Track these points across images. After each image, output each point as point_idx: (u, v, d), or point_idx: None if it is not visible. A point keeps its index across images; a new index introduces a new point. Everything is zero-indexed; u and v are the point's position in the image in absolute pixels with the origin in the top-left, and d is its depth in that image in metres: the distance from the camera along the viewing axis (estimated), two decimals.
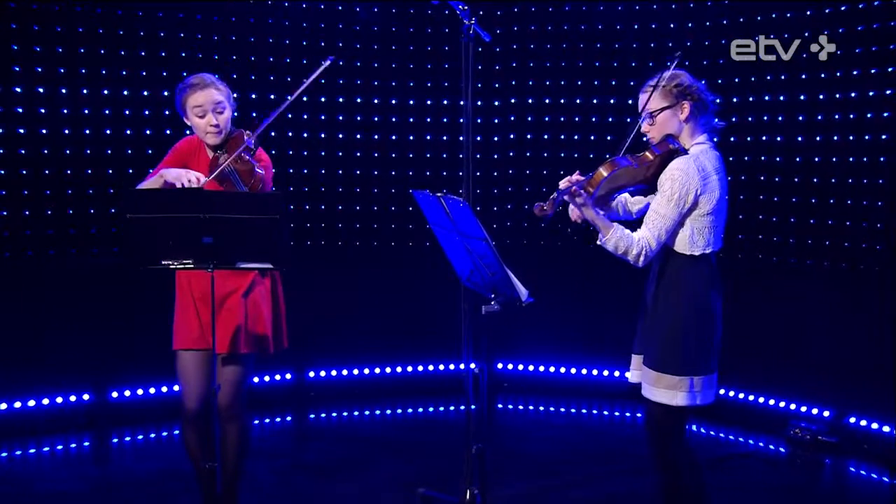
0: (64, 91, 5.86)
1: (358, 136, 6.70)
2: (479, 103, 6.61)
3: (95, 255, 5.95)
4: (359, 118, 6.70)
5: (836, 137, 5.66)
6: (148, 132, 6.09)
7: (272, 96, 6.32)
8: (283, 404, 6.45)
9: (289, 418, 6.36)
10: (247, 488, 4.16)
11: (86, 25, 5.88)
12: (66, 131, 5.89)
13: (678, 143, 3.45)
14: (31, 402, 5.84)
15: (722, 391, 5.96)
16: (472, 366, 4.07)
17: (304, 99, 5.95)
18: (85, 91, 5.91)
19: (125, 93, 6.01)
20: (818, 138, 5.74)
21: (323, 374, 6.73)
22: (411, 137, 6.77)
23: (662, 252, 3.43)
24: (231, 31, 6.30)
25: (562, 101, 6.72)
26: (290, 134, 6.55)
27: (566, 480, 5.00)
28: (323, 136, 6.64)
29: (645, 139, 3.52)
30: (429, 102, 6.78)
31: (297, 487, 4.92)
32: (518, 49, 6.74)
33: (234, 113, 3.92)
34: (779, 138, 5.94)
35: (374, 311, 6.67)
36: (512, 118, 6.84)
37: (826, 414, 5.68)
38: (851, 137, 5.58)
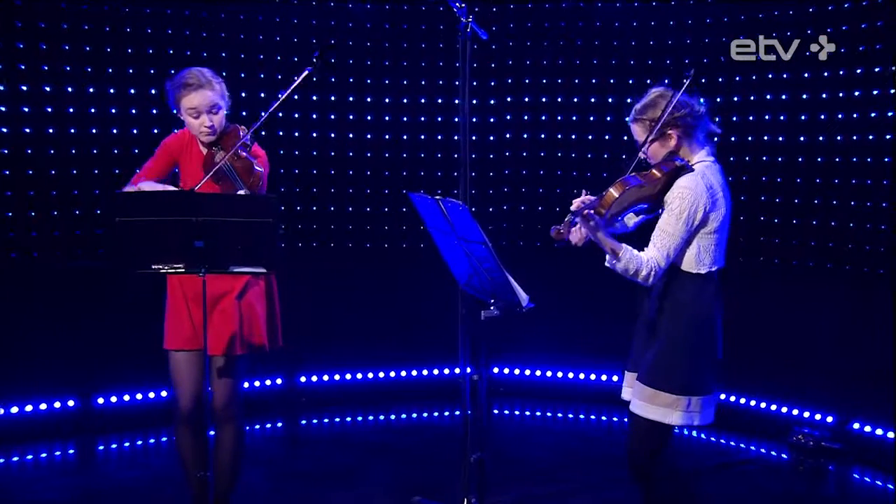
0: (48, 89, 5.76)
1: (350, 136, 6.62)
2: (474, 102, 6.53)
3: (79, 256, 5.84)
4: (351, 117, 6.61)
5: (839, 137, 5.61)
6: (135, 131, 6.00)
7: (262, 94, 6.23)
8: (274, 410, 6.35)
9: (280, 424, 6.26)
10: (239, 495, 4.09)
11: (71, 22, 5.78)
12: (51, 130, 5.79)
13: (684, 160, 3.43)
14: (14, 409, 5.73)
15: (723, 396, 5.91)
16: (469, 371, 4.02)
17: (296, 97, 5.86)
18: (70, 89, 5.81)
19: (111, 91, 5.92)
20: (821, 138, 5.70)
21: (315, 378, 6.62)
22: (405, 137, 6.69)
23: (666, 270, 3.39)
24: (221, 28, 6.22)
25: (559, 99, 6.65)
26: (281, 133, 6.46)
27: (564, 487, 4.96)
28: (314, 135, 6.56)
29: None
30: (423, 101, 6.70)
31: (289, 494, 4.85)
32: (514, 46, 6.65)
33: (228, 111, 3.87)
34: (780, 138, 5.90)
35: (367, 315, 6.58)
36: (508, 117, 6.75)
37: (829, 420, 5.64)
38: (855, 137, 5.53)
